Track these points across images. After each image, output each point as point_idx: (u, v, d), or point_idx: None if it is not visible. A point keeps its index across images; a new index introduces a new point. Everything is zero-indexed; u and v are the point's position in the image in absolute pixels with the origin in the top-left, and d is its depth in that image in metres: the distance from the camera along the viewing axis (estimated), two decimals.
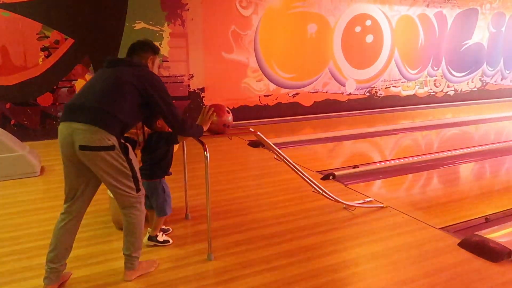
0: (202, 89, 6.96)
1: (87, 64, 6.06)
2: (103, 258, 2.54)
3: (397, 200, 3.55)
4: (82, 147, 2.01)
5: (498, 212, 3.37)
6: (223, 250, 2.62)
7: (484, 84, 10.40)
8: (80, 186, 2.16)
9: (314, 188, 3.05)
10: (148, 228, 2.69)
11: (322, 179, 4.07)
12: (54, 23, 5.79)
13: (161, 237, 2.72)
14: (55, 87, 5.94)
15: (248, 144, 5.48)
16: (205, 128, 2.54)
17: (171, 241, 2.73)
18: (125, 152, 2.12)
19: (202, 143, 2.51)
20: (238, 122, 7.12)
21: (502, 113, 8.36)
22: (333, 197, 3.11)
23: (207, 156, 2.45)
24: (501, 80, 10.65)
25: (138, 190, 2.20)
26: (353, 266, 2.46)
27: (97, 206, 3.12)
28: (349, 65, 8.34)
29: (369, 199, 3.45)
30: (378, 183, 4.27)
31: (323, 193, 3.07)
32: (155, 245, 2.66)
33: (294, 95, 7.87)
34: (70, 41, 5.90)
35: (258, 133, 2.83)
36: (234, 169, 4.49)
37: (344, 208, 3.27)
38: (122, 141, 2.13)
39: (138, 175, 2.21)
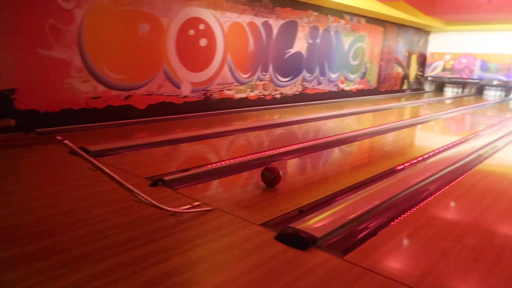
0: (13, 90, 5.95)
1: None
2: None
3: (225, 201, 3.64)
4: None
5: (311, 202, 3.76)
6: (22, 281, 2.21)
7: (304, 88, 11.79)
8: None
9: (137, 197, 2.87)
10: None
11: (150, 185, 3.89)
12: None
13: None
14: None
15: (70, 152, 4.90)
16: None
17: None
18: None
19: None
20: (62, 127, 6.37)
21: (319, 114, 9.55)
22: (158, 205, 2.98)
23: None
24: (318, 85, 12.24)
25: None
26: (176, 275, 2.37)
27: None
28: (184, 68, 8.35)
29: (197, 203, 3.44)
30: (209, 185, 4.33)
31: (147, 201, 2.91)
32: None
33: (126, 98, 7.44)
34: None
35: (66, 141, 2.51)
36: (50, 182, 3.93)
37: (171, 215, 3.17)
38: None
39: None
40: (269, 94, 10.63)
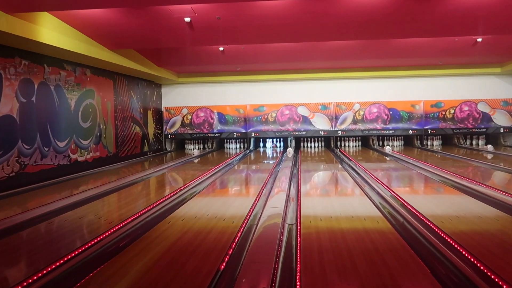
0: None
1: None
2: None
3: None
4: None
5: None
6: None
7: (24, 166, 8.97)
8: None
9: None
10: None
11: None
12: None
13: None
14: None
15: None
16: None
17: None
18: None
19: None
20: None
21: (52, 203, 7.02)
22: None
23: None
24: (42, 159, 9.63)
25: None
26: None
27: None
28: None
29: None
30: None
31: None
32: None
33: None
34: None
35: None
36: None
37: None
38: None
39: None
40: None
